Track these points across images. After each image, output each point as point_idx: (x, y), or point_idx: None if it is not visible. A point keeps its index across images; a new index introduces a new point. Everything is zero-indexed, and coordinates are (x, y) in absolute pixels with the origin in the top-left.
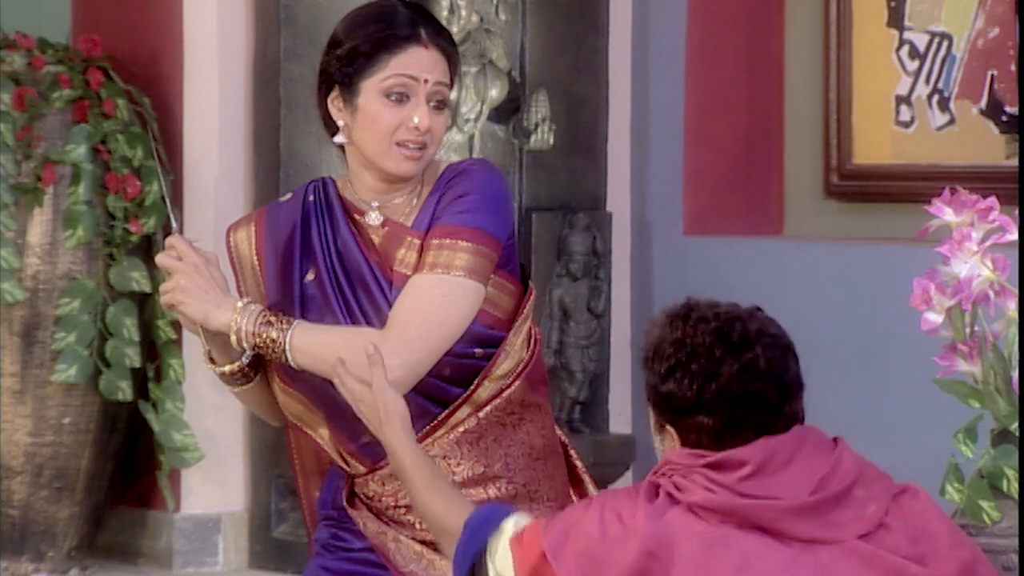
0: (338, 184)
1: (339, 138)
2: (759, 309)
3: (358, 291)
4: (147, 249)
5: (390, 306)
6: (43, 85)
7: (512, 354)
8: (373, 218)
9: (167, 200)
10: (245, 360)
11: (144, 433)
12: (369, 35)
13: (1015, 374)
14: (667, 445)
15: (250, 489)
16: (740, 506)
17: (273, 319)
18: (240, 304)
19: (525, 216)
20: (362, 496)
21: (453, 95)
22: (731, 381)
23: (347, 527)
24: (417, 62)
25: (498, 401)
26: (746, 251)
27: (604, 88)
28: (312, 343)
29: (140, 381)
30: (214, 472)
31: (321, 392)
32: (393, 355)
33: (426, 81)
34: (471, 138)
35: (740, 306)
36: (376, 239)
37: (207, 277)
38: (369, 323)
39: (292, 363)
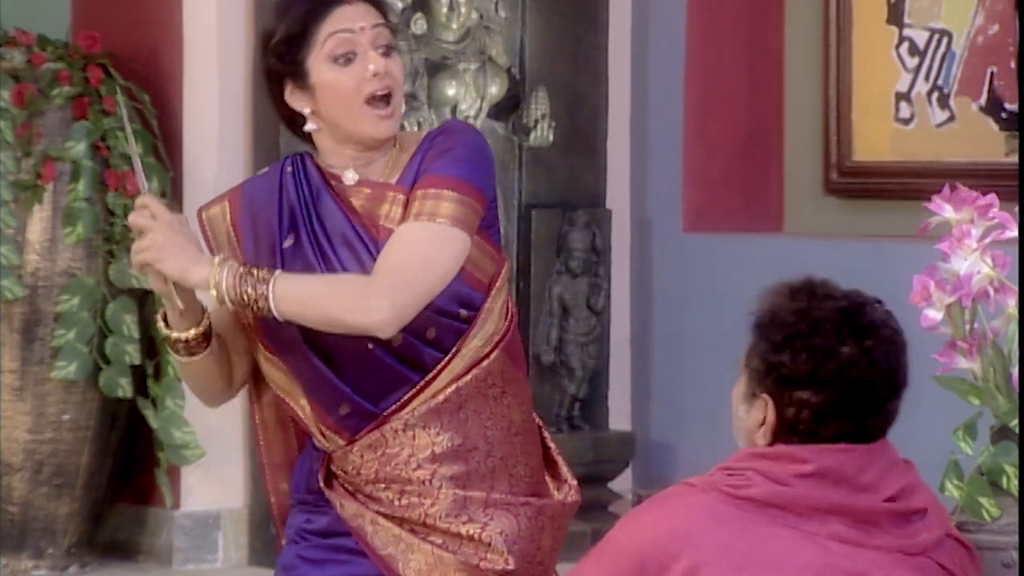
0: (316, 157)
1: (310, 126)
2: (880, 301)
3: (341, 253)
4: None
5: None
6: (43, 82)
7: (489, 321)
8: (349, 177)
9: (136, 161)
10: (204, 326)
11: (144, 430)
12: (293, 16)
13: (1015, 371)
14: (752, 417)
15: (250, 486)
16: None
17: (255, 271)
18: (218, 259)
19: (525, 213)
20: (340, 473)
21: (452, 92)
22: (849, 363)
23: (322, 511)
24: (346, 17)
25: (477, 371)
26: (746, 248)
27: (604, 85)
28: (296, 290)
29: (140, 378)
30: (214, 469)
31: (303, 362)
32: (379, 296)
33: (362, 29)
34: None
35: (864, 293)
36: (357, 202)
37: (184, 234)
38: None
39: (276, 313)
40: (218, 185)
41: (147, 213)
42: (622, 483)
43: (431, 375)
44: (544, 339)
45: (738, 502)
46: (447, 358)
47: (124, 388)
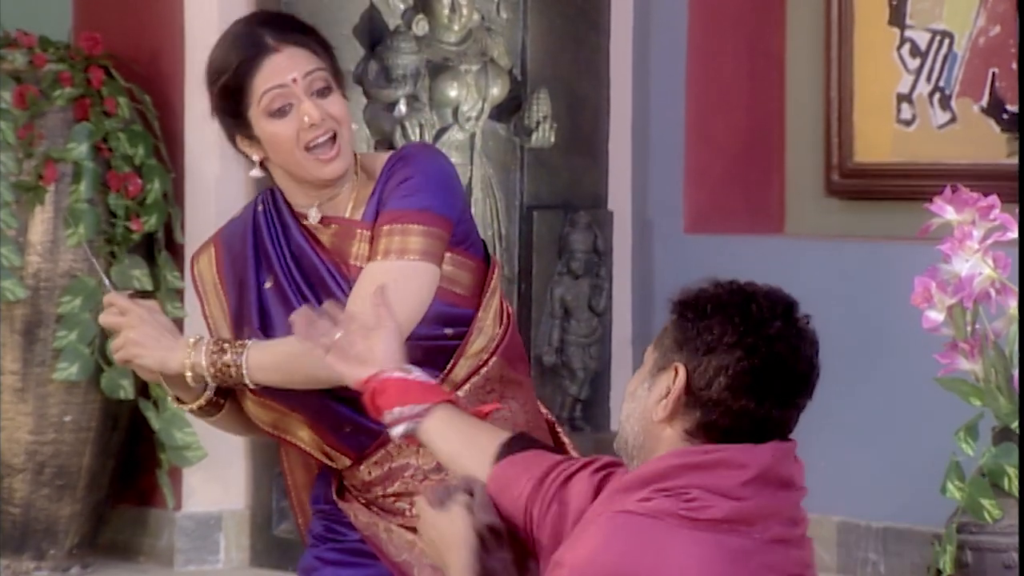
0: (285, 192)
1: (255, 172)
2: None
3: (319, 292)
4: (148, 247)
5: None
6: (44, 83)
7: (484, 330)
8: (313, 216)
9: (98, 269)
10: (210, 393)
11: (145, 431)
12: (227, 72)
13: (1016, 372)
14: (655, 392)
15: (251, 487)
16: (754, 508)
17: (226, 345)
18: (192, 340)
19: (526, 214)
20: (351, 488)
21: (454, 93)
22: (778, 337)
23: (339, 519)
24: (276, 69)
25: (476, 379)
26: (747, 249)
27: (605, 86)
28: (268, 356)
29: (141, 379)
30: (215, 470)
31: (298, 397)
32: None
33: (295, 80)
34: (472, 136)
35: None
36: (326, 239)
37: (155, 325)
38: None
39: (250, 383)
40: (219, 186)
41: (115, 311)
42: None
43: None
44: (546, 340)
45: (704, 525)
46: (444, 372)
47: (126, 389)
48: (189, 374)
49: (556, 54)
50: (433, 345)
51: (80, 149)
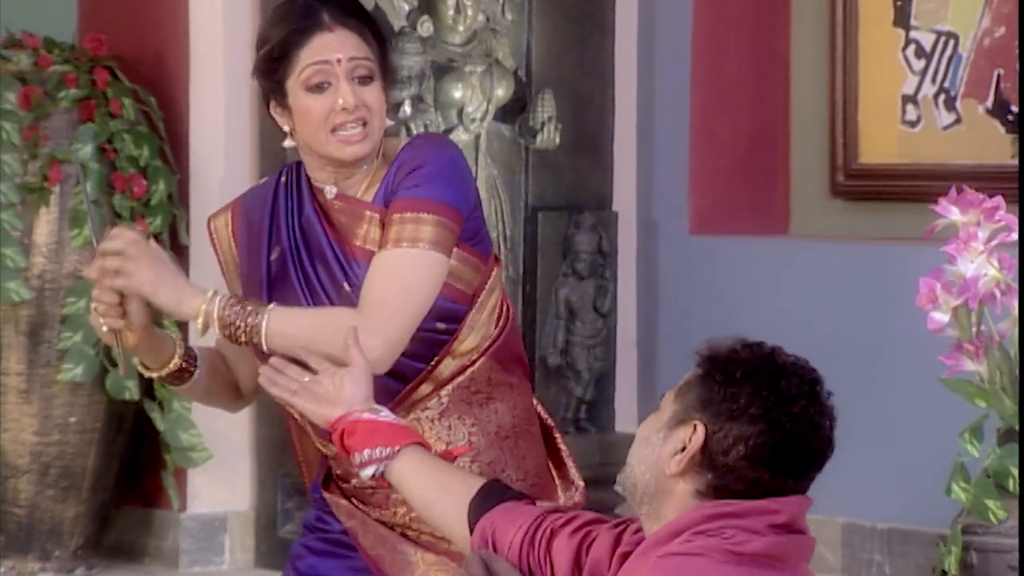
0: (307, 166)
1: (288, 142)
2: None
3: (318, 267)
4: None
5: (348, 282)
6: (49, 84)
7: (477, 329)
8: (328, 191)
9: (91, 211)
10: (178, 360)
11: (150, 432)
12: (276, 38)
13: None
14: (670, 445)
15: (256, 488)
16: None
17: (247, 304)
18: (210, 292)
19: (531, 215)
20: (336, 478)
21: (458, 94)
22: (800, 416)
23: (328, 509)
24: (324, 46)
25: (461, 379)
26: (752, 250)
27: (610, 87)
28: (288, 326)
29: (146, 380)
30: (220, 471)
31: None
32: (372, 334)
33: (339, 61)
34: (477, 137)
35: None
36: (336, 217)
37: (169, 266)
38: (329, 299)
39: (266, 346)
40: (224, 188)
41: (115, 248)
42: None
43: (412, 384)
44: (550, 341)
45: (748, 560)
46: (428, 368)
47: (131, 390)
48: (200, 321)
49: (561, 55)
50: (423, 337)
51: (85, 150)
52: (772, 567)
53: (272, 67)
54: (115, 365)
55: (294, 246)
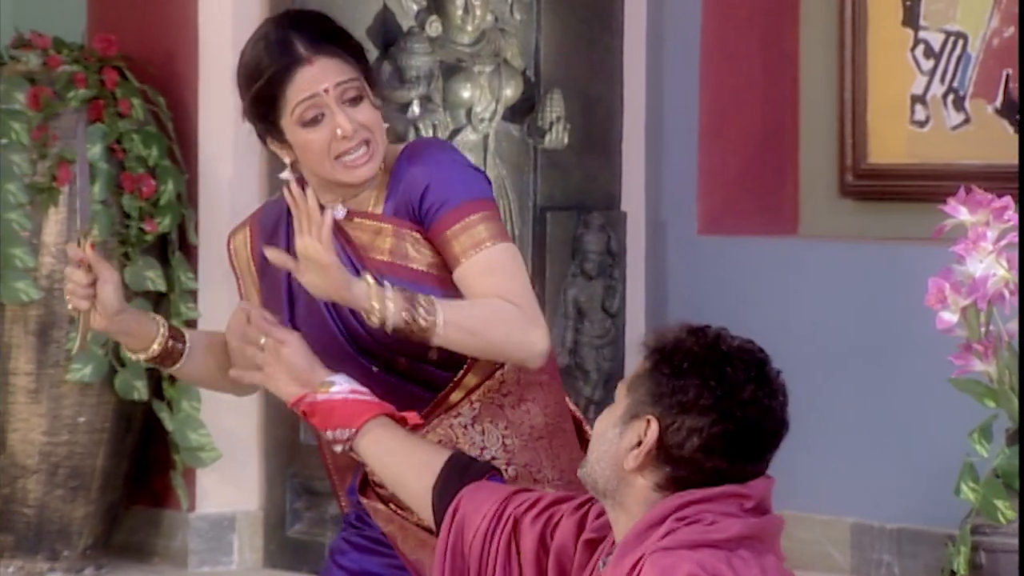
0: (314, 189)
1: (286, 174)
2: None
3: None
4: (162, 248)
5: None
6: (58, 84)
7: None
8: (339, 211)
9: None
10: (162, 340)
11: (159, 432)
12: (259, 83)
13: None
14: (626, 440)
15: (265, 488)
16: (759, 523)
17: (419, 297)
18: (372, 280)
19: (540, 215)
20: (373, 484)
21: (467, 94)
22: (751, 402)
23: (366, 511)
24: (308, 81)
25: (491, 382)
26: (761, 250)
27: (619, 87)
28: (462, 318)
29: (155, 380)
30: (229, 471)
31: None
32: (535, 327)
33: (327, 91)
34: (486, 137)
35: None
36: (351, 233)
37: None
38: (355, 315)
39: (440, 339)
40: (233, 187)
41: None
42: None
43: (444, 392)
44: (559, 342)
45: (735, 544)
46: (460, 374)
47: (139, 390)
48: (377, 315)
49: (569, 55)
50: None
51: (94, 150)
52: (754, 548)
53: (262, 111)
54: (124, 365)
55: None
